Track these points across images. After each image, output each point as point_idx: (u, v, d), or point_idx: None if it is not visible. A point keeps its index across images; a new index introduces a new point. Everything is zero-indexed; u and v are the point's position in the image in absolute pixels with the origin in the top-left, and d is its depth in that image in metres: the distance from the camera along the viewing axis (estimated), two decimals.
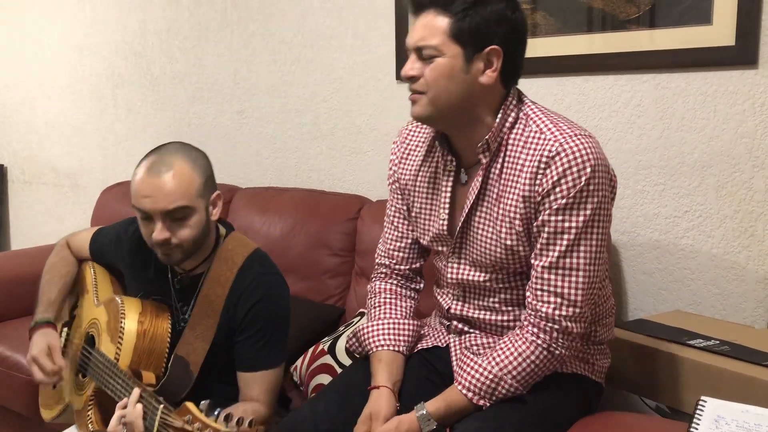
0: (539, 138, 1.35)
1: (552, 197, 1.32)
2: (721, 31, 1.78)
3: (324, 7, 2.55)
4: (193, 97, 3.01)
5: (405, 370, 1.53)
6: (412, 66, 1.36)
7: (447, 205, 1.48)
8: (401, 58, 2.37)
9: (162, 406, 1.25)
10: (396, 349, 1.52)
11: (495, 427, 1.34)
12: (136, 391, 1.34)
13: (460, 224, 1.45)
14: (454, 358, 1.52)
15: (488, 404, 1.38)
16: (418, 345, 1.59)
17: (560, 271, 1.34)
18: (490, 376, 1.37)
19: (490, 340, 1.50)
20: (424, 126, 1.55)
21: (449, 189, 1.47)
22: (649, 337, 1.64)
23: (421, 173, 1.53)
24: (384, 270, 1.64)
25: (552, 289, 1.35)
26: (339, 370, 1.90)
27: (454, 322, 1.55)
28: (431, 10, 1.34)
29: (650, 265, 1.96)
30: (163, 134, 3.12)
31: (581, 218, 1.32)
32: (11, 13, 3.67)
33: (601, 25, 1.96)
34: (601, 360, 1.54)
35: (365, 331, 1.56)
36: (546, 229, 1.34)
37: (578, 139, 1.32)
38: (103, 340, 1.59)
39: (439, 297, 1.58)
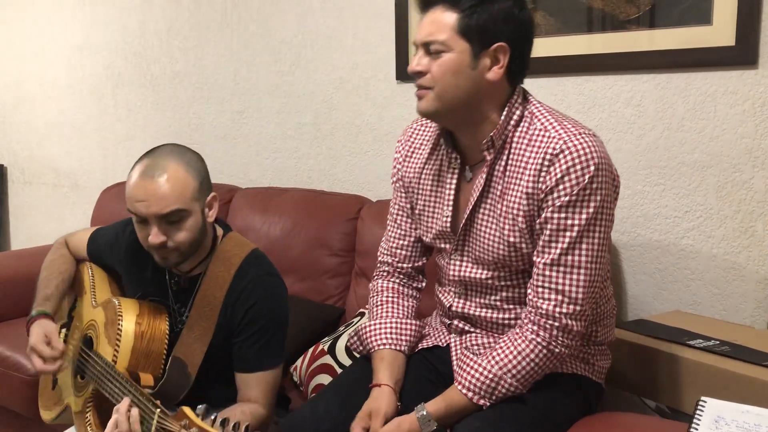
0: (543, 136, 1.35)
1: (555, 194, 1.33)
2: (721, 31, 1.78)
3: (324, 7, 2.55)
4: (193, 97, 3.01)
5: (405, 370, 1.53)
6: (419, 62, 1.37)
7: (451, 202, 1.48)
8: (401, 58, 2.37)
9: (159, 410, 1.25)
10: (398, 348, 1.52)
11: (495, 427, 1.35)
12: (126, 401, 1.33)
13: (463, 221, 1.46)
14: (454, 358, 1.52)
15: (488, 404, 1.38)
16: (419, 345, 1.59)
17: (562, 269, 1.35)
18: (490, 376, 1.37)
19: (491, 340, 1.50)
20: (429, 125, 1.56)
21: (453, 186, 1.48)
22: (649, 338, 1.64)
23: (425, 171, 1.54)
24: (386, 268, 1.64)
25: (553, 286, 1.36)
26: (339, 370, 1.90)
27: (455, 321, 1.55)
28: (439, 6, 1.35)
29: (650, 266, 1.96)
30: (163, 134, 3.12)
31: (584, 216, 1.33)
32: (11, 13, 3.67)
33: (601, 25, 1.96)
34: (602, 360, 1.54)
35: (367, 329, 1.56)
36: (548, 226, 1.35)
37: (582, 137, 1.33)
38: (101, 342, 1.59)
39: (440, 295, 1.58)
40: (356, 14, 2.47)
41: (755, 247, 1.82)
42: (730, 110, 1.82)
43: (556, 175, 1.32)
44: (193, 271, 1.59)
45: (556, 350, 1.37)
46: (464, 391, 1.39)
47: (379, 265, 1.66)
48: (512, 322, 1.47)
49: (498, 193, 1.41)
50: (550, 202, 1.34)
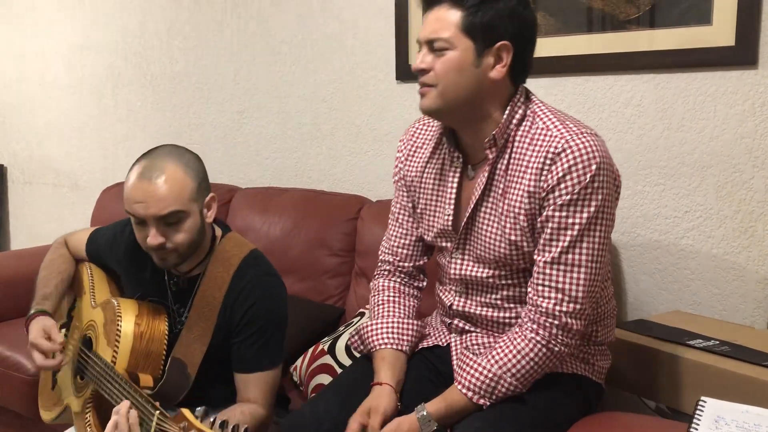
0: (545, 135, 1.36)
1: (556, 193, 1.33)
2: (721, 32, 1.78)
3: (324, 7, 2.55)
4: (193, 97, 3.01)
5: (406, 370, 1.53)
6: (422, 59, 1.38)
7: (452, 201, 1.48)
8: (401, 58, 2.37)
9: (158, 412, 1.25)
10: (399, 348, 1.53)
11: (495, 427, 1.35)
12: (126, 403, 1.33)
13: (465, 219, 1.46)
14: (454, 358, 1.52)
15: (488, 403, 1.38)
16: (420, 344, 1.59)
17: (562, 267, 1.35)
18: (490, 375, 1.37)
19: (491, 339, 1.50)
20: (431, 124, 1.57)
21: (455, 185, 1.48)
22: (649, 338, 1.64)
23: (427, 170, 1.54)
24: (387, 267, 1.64)
25: (553, 284, 1.36)
26: (339, 370, 1.89)
27: (456, 320, 1.55)
28: (444, 4, 1.36)
29: (650, 266, 1.96)
30: (163, 134, 3.12)
31: (585, 215, 1.33)
32: (11, 13, 3.67)
33: (601, 26, 1.96)
34: (602, 361, 1.54)
35: (369, 328, 1.56)
36: (549, 224, 1.35)
37: (584, 137, 1.33)
38: (100, 343, 1.59)
39: (441, 294, 1.59)
40: (356, 14, 2.47)
41: (755, 247, 1.82)
42: (730, 110, 1.82)
43: (557, 173, 1.33)
44: (192, 272, 1.59)
45: (556, 349, 1.37)
46: (464, 390, 1.39)
47: (380, 264, 1.66)
48: (513, 321, 1.47)
49: (500, 191, 1.41)
50: (551, 201, 1.34)
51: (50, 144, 3.63)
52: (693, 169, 1.88)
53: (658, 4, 1.87)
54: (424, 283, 1.66)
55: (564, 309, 1.35)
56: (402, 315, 1.57)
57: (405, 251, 1.62)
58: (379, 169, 2.50)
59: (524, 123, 1.40)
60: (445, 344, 1.57)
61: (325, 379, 1.91)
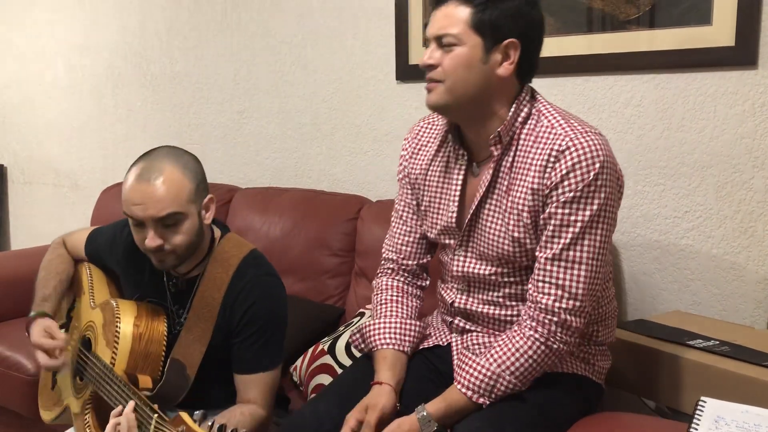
0: (550, 133, 1.37)
1: (560, 190, 1.34)
2: (721, 32, 1.78)
3: (324, 7, 2.55)
4: (193, 97, 3.01)
5: (406, 370, 1.53)
6: (431, 55, 1.39)
7: (457, 198, 1.49)
8: (401, 58, 2.37)
9: (156, 415, 1.25)
10: (401, 348, 1.53)
11: (495, 427, 1.34)
12: (131, 404, 1.33)
13: (469, 216, 1.46)
14: (455, 358, 1.52)
15: (488, 402, 1.38)
16: (420, 345, 1.59)
17: (563, 263, 1.35)
18: (488, 374, 1.37)
19: (491, 339, 1.50)
20: (436, 123, 1.58)
21: (460, 182, 1.49)
22: (649, 338, 1.64)
23: (432, 167, 1.55)
24: (391, 265, 1.64)
25: (554, 280, 1.36)
26: (339, 370, 1.89)
27: (457, 319, 1.55)
28: (453, 1, 1.37)
29: (650, 266, 1.96)
30: (163, 134, 3.12)
31: (587, 212, 1.33)
32: (11, 13, 3.67)
33: (601, 26, 1.96)
34: (602, 361, 1.54)
35: (371, 328, 1.56)
36: (552, 221, 1.35)
37: (589, 135, 1.34)
38: (99, 344, 1.59)
39: (443, 292, 1.59)
40: (356, 14, 2.47)
41: (755, 247, 1.82)
42: (730, 110, 1.82)
43: (561, 171, 1.33)
44: (191, 273, 1.59)
45: (555, 346, 1.37)
46: (463, 390, 1.39)
47: (383, 262, 1.66)
48: (514, 319, 1.47)
49: (504, 188, 1.42)
50: (554, 198, 1.35)
51: (50, 144, 3.63)
52: (693, 169, 1.88)
53: (658, 4, 1.87)
54: (427, 282, 1.66)
55: (564, 306, 1.35)
56: (404, 315, 1.57)
57: (409, 249, 1.62)
58: (379, 169, 2.50)
59: (529, 121, 1.41)
60: (445, 344, 1.57)
61: (325, 379, 1.91)
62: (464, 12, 1.35)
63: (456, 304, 1.54)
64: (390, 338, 1.53)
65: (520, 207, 1.39)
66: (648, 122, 1.94)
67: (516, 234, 1.40)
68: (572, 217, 1.34)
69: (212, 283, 1.55)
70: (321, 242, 2.32)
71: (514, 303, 1.47)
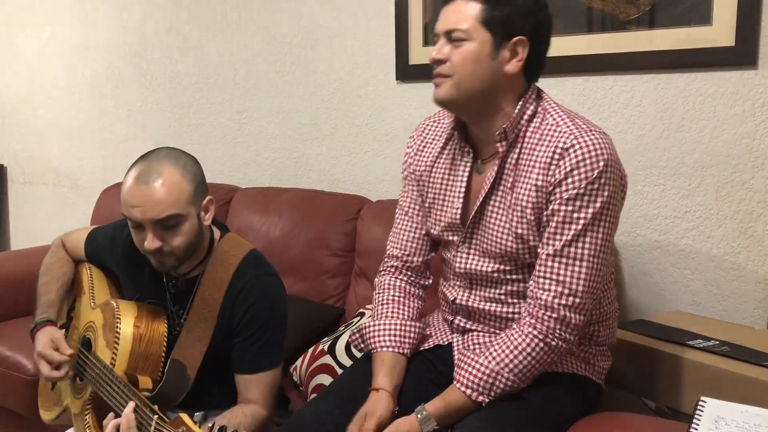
0: (555, 130, 1.38)
1: (563, 187, 1.34)
2: (721, 32, 1.78)
3: (324, 7, 2.55)
4: (193, 97, 3.01)
5: (406, 371, 1.53)
6: (440, 50, 1.40)
7: (462, 194, 1.49)
8: (401, 58, 2.37)
9: (156, 417, 1.25)
10: (400, 351, 1.53)
11: (495, 426, 1.34)
12: (131, 405, 1.33)
13: (473, 213, 1.47)
14: (455, 358, 1.52)
15: (487, 400, 1.38)
16: (421, 346, 1.59)
17: (564, 260, 1.36)
18: (487, 371, 1.38)
19: (492, 339, 1.50)
20: (442, 121, 1.58)
21: (465, 178, 1.49)
22: (648, 338, 1.64)
23: (437, 164, 1.56)
24: (394, 263, 1.63)
25: (554, 277, 1.36)
26: (339, 371, 1.89)
27: (458, 318, 1.55)
28: None
29: (650, 266, 1.96)
30: (163, 134, 3.12)
31: (590, 210, 1.34)
32: (11, 13, 3.67)
33: (601, 26, 1.96)
34: (602, 361, 1.54)
35: (371, 329, 1.55)
36: (555, 218, 1.36)
37: (594, 134, 1.36)
38: (99, 344, 1.59)
39: (445, 290, 1.59)
40: (356, 14, 2.47)
41: (755, 247, 1.82)
42: (730, 110, 1.82)
43: (565, 168, 1.34)
44: (191, 273, 1.59)
45: (553, 344, 1.37)
46: (462, 388, 1.39)
47: (386, 259, 1.66)
48: (515, 316, 1.48)
49: (508, 185, 1.43)
50: (557, 195, 1.35)
51: (50, 144, 3.63)
52: (693, 169, 1.89)
53: (658, 4, 1.87)
54: (430, 281, 1.66)
55: (563, 302, 1.36)
56: (405, 317, 1.57)
57: (414, 245, 1.62)
58: (379, 169, 2.50)
59: (535, 119, 1.42)
60: (446, 343, 1.57)
61: (325, 379, 1.91)
62: (474, 8, 1.37)
63: (458, 301, 1.54)
64: (389, 340, 1.53)
65: (523, 204, 1.40)
66: (648, 122, 1.94)
67: (519, 230, 1.41)
68: (575, 215, 1.35)
69: (212, 283, 1.55)
70: (321, 242, 2.32)
71: (516, 300, 1.47)
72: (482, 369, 1.38)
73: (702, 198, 1.88)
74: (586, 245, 1.35)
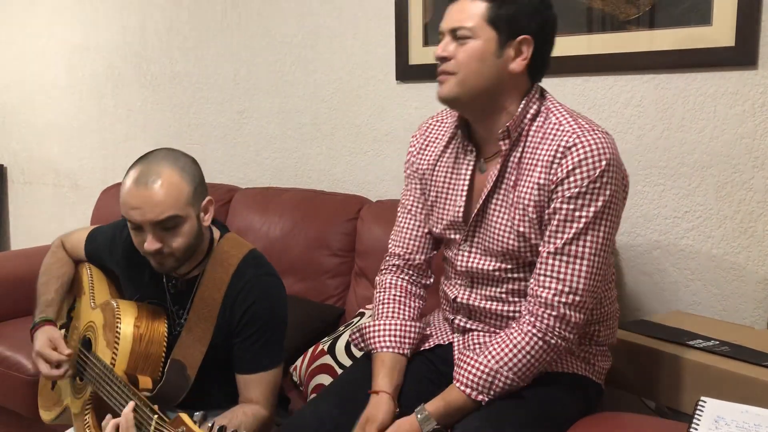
0: (558, 129, 1.39)
1: (565, 185, 1.35)
2: (721, 32, 1.78)
3: (324, 7, 2.55)
4: (193, 97, 3.01)
5: (406, 371, 1.53)
6: (444, 47, 1.41)
7: (464, 192, 1.50)
8: (401, 58, 2.37)
9: (156, 416, 1.25)
10: (400, 351, 1.53)
11: (495, 426, 1.34)
12: (131, 404, 1.33)
13: (475, 211, 1.47)
14: (455, 358, 1.52)
15: (486, 399, 1.38)
16: (421, 346, 1.59)
17: (564, 258, 1.36)
18: (486, 370, 1.38)
19: (492, 338, 1.50)
20: (445, 121, 1.59)
21: (468, 177, 1.50)
22: (648, 338, 1.64)
23: (440, 163, 1.56)
24: (396, 261, 1.63)
25: (554, 274, 1.37)
26: (339, 371, 1.89)
27: (459, 317, 1.55)
28: None
29: (650, 266, 1.96)
30: (163, 134, 3.12)
31: (592, 209, 1.34)
32: (11, 13, 3.67)
33: (601, 26, 1.96)
34: (602, 361, 1.54)
35: (371, 328, 1.55)
36: (557, 216, 1.36)
37: (596, 134, 1.36)
38: (99, 344, 1.59)
39: (446, 288, 1.59)
40: (356, 14, 2.47)
41: (755, 247, 1.82)
42: (730, 110, 1.82)
43: (567, 166, 1.35)
44: (191, 274, 1.59)
45: (552, 342, 1.37)
46: (462, 387, 1.39)
47: (388, 258, 1.65)
48: (516, 315, 1.48)
49: (511, 183, 1.43)
50: (559, 193, 1.36)
51: (50, 144, 3.63)
52: (693, 169, 1.88)
53: (658, 4, 1.87)
54: (431, 280, 1.65)
55: (563, 300, 1.36)
56: (406, 317, 1.57)
57: (417, 243, 1.62)
58: (379, 169, 2.50)
59: (538, 118, 1.43)
60: (446, 343, 1.57)
61: (325, 379, 1.91)
62: (480, 6, 1.38)
63: (459, 300, 1.54)
64: (390, 341, 1.53)
65: (526, 201, 1.40)
66: (648, 122, 1.94)
67: (521, 228, 1.41)
68: (576, 213, 1.35)
69: (212, 283, 1.55)
70: (321, 242, 2.32)
71: (516, 299, 1.48)
72: (481, 368, 1.38)
73: (702, 198, 1.88)
74: (588, 243, 1.36)
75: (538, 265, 1.39)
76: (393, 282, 1.62)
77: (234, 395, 1.57)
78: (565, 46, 2.01)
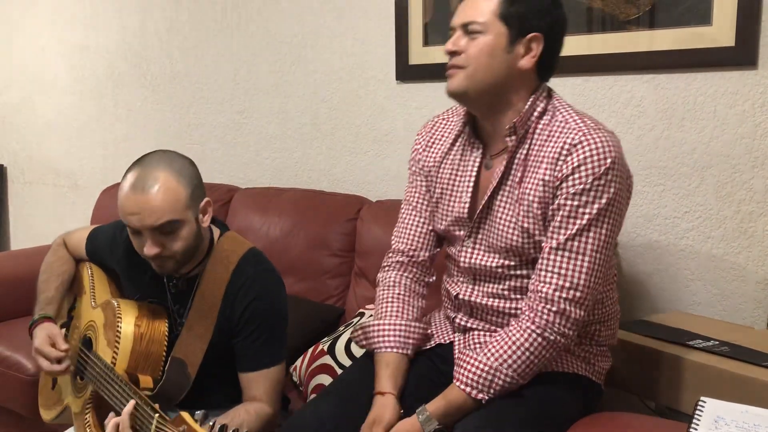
0: (564, 127, 1.40)
1: (570, 182, 1.35)
2: (721, 32, 1.78)
3: (324, 7, 2.55)
4: (193, 97, 3.01)
5: (408, 371, 1.53)
6: (455, 42, 1.42)
7: (470, 188, 1.50)
8: (401, 58, 2.37)
9: (157, 415, 1.25)
10: (404, 352, 1.52)
11: (495, 426, 1.34)
12: (131, 403, 1.33)
13: (480, 207, 1.48)
14: (456, 358, 1.52)
15: (487, 397, 1.38)
16: (423, 346, 1.59)
17: (566, 253, 1.37)
18: (486, 368, 1.38)
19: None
20: (451, 119, 1.60)
21: (474, 173, 1.50)
22: (648, 338, 1.64)
23: (446, 160, 1.56)
24: (400, 258, 1.63)
25: (556, 270, 1.37)
26: (339, 371, 1.89)
27: (460, 315, 1.55)
28: None
29: (650, 266, 1.96)
30: (163, 134, 3.12)
31: (596, 206, 1.35)
32: (11, 13, 3.67)
33: (601, 26, 1.96)
34: (602, 361, 1.54)
35: (375, 328, 1.55)
36: (560, 212, 1.37)
37: (602, 133, 1.37)
38: (100, 343, 1.59)
39: (448, 285, 1.59)
40: (356, 14, 2.47)
41: (755, 248, 1.82)
42: (730, 110, 1.82)
43: (572, 163, 1.35)
44: (192, 273, 1.59)
45: (551, 338, 1.37)
46: (462, 386, 1.39)
47: (391, 254, 1.65)
48: (517, 312, 1.47)
49: (517, 179, 1.44)
50: (564, 189, 1.36)
51: (50, 144, 3.63)
52: (693, 169, 1.89)
53: (658, 4, 1.87)
54: (433, 278, 1.65)
55: (564, 295, 1.36)
56: (410, 317, 1.57)
57: (421, 240, 1.61)
58: (379, 169, 2.50)
59: (545, 116, 1.43)
60: (447, 342, 1.57)
61: (324, 379, 1.91)
62: (492, 3, 1.39)
63: (461, 296, 1.54)
64: (394, 341, 1.53)
65: (531, 198, 1.40)
66: (648, 122, 1.94)
67: (525, 224, 1.41)
68: (580, 209, 1.35)
69: (212, 281, 1.55)
70: (321, 242, 2.32)
71: (518, 296, 1.48)
72: (481, 366, 1.38)
73: (702, 198, 1.88)
74: (590, 240, 1.36)
75: (539, 261, 1.40)
76: (397, 280, 1.62)
77: (234, 396, 1.57)
78: (565, 46, 2.01)
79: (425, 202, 1.61)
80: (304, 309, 2.18)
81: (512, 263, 1.46)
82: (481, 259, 1.49)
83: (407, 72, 2.37)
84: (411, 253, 1.62)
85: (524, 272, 1.46)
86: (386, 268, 1.65)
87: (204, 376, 1.54)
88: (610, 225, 1.37)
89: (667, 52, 1.87)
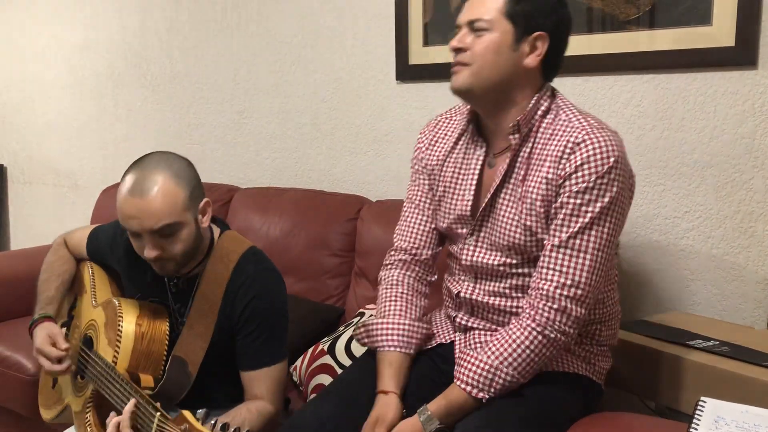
0: (568, 126, 1.40)
1: (573, 180, 1.36)
2: (720, 32, 1.78)
3: (324, 7, 2.55)
4: (193, 97, 3.01)
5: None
6: (461, 39, 1.43)
7: (473, 186, 1.50)
8: (401, 58, 2.37)
9: (159, 414, 1.25)
10: (407, 351, 1.53)
11: (495, 426, 1.34)
12: (132, 402, 1.33)
13: (483, 205, 1.48)
14: (457, 357, 1.52)
15: (487, 396, 1.38)
16: (424, 345, 1.59)
17: (568, 251, 1.37)
18: (486, 367, 1.38)
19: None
20: (454, 118, 1.60)
21: (477, 171, 1.51)
22: (648, 338, 1.64)
23: (449, 159, 1.57)
24: (402, 257, 1.62)
25: (557, 267, 1.37)
26: (339, 371, 1.89)
27: (460, 314, 1.55)
28: None
29: (650, 266, 1.96)
30: (163, 134, 3.12)
31: (598, 204, 1.35)
32: (11, 13, 3.67)
33: (601, 26, 1.96)
34: (602, 362, 1.54)
35: (378, 326, 1.55)
36: (563, 210, 1.37)
37: (606, 132, 1.37)
38: (101, 342, 1.59)
39: (449, 284, 1.59)
40: (356, 14, 2.47)
41: (755, 248, 1.82)
42: (730, 110, 1.82)
43: (576, 162, 1.36)
44: (192, 272, 1.59)
45: (552, 336, 1.37)
46: (462, 385, 1.39)
47: (393, 252, 1.64)
48: (517, 310, 1.47)
49: (520, 178, 1.44)
50: (567, 188, 1.37)
51: (50, 144, 3.63)
52: (693, 169, 1.89)
53: (658, 4, 1.87)
54: (435, 277, 1.65)
55: (564, 293, 1.36)
56: (413, 316, 1.57)
57: (424, 238, 1.62)
58: (379, 169, 2.50)
59: (548, 115, 1.44)
60: (448, 341, 1.57)
61: (324, 379, 1.91)
62: (499, 1, 1.40)
63: (462, 294, 1.54)
64: (397, 340, 1.53)
65: (533, 196, 1.41)
66: (648, 122, 1.94)
67: (528, 222, 1.42)
68: (583, 208, 1.36)
69: (213, 279, 1.56)
70: (321, 242, 2.32)
71: (520, 295, 1.48)
72: (481, 365, 1.38)
73: (702, 198, 1.88)
74: (592, 238, 1.36)
75: (541, 259, 1.40)
76: (399, 279, 1.62)
77: (235, 394, 1.57)
78: None
79: (428, 201, 1.62)
80: (304, 309, 2.18)
81: (514, 261, 1.46)
82: (483, 257, 1.49)
83: (407, 72, 2.37)
84: (413, 252, 1.62)
85: (526, 270, 1.46)
86: (389, 266, 1.64)
87: (205, 375, 1.54)
88: (612, 224, 1.37)
89: (667, 52, 1.87)
